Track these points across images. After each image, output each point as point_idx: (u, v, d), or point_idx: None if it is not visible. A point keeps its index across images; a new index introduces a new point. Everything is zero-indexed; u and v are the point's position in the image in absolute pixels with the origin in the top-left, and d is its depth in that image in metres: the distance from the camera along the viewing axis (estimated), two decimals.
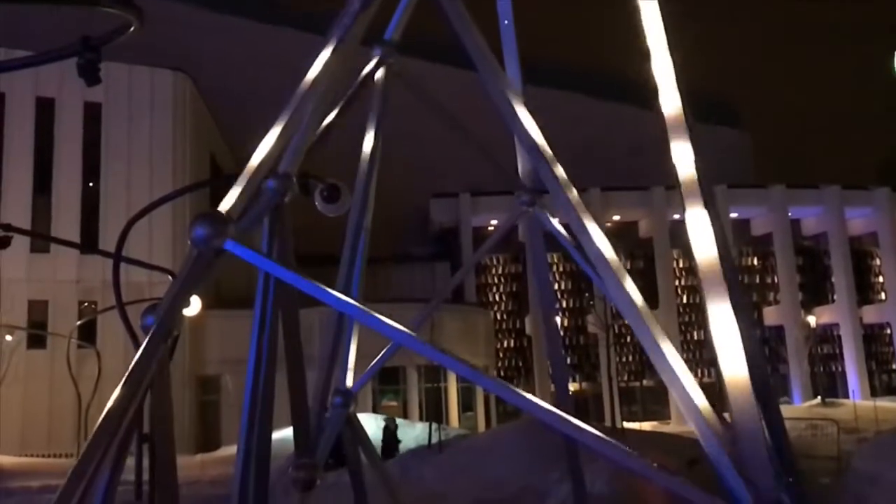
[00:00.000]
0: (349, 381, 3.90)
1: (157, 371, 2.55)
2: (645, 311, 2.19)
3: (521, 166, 4.21)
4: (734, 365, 2.07)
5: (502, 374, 49.31)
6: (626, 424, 36.62)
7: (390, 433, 25.49)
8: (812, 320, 47.86)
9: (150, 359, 2.38)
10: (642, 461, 1.92)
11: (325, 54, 2.96)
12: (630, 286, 2.24)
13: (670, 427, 35.65)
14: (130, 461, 15.97)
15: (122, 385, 2.32)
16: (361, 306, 2.52)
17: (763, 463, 1.88)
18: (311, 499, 10.00)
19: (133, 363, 2.37)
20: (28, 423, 31.81)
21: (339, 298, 2.42)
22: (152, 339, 2.38)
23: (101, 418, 2.25)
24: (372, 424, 29.34)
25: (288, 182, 2.94)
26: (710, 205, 2.28)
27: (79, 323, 31.34)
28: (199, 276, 2.32)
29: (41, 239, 31.85)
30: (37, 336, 33.56)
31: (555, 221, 4.14)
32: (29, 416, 32.04)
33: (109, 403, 2.28)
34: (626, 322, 2.27)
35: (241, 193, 2.41)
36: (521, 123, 2.70)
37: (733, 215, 49.96)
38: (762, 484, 1.82)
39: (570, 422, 2.01)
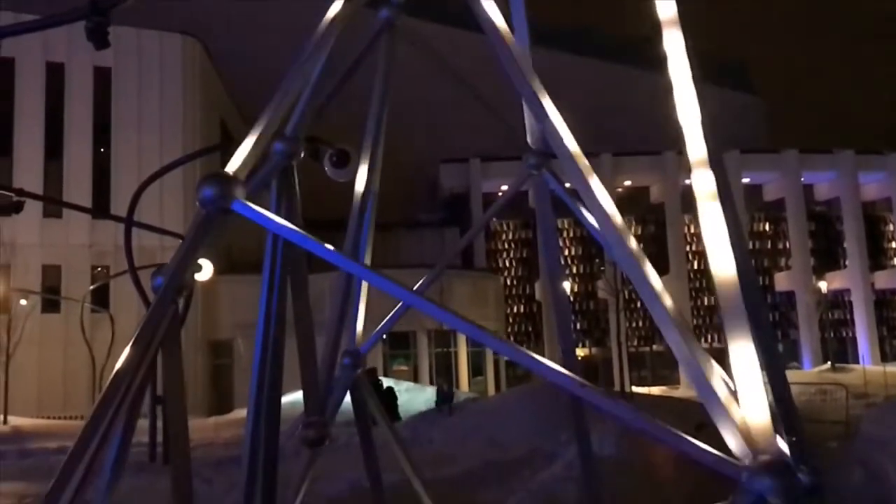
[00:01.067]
0: (359, 343, 3.94)
1: (168, 331, 2.59)
2: (649, 274, 2.20)
3: (529, 130, 4.20)
4: (737, 325, 2.08)
5: (512, 339, 49.43)
6: (635, 389, 36.77)
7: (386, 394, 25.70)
8: (823, 286, 47.74)
9: (159, 318, 2.41)
10: (647, 419, 1.95)
11: (332, 14, 2.94)
12: (635, 249, 2.25)
13: (679, 392, 35.80)
14: (144, 423, 16.22)
15: (132, 344, 2.35)
16: (369, 267, 2.53)
17: (765, 423, 1.89)
18: (324, 458, 10.10)
19: (142, 322, 2.40)
20: (44, 385, 32.27)
21: (346, 259, 2.44)
22: (161, 298, 2.41)
23: (111, 377, 2.29)
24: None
25: (296, 145, 2.95)
26: (716, 166, 2.28)
27: (92, 287, 31.60)
28: (207, 237, 2.34)
29: (53, 204, 32.03)
30: (51, 300, 33.90)
31: (562, 185, 4.13)
32: (44, 379, 32.49)
33: (119, 362, 2.32)
34: (643, 299, 2.27)
35: (249, 155, 2.43)
36: (528, 86, 2.69)
37: (745, 181, 49.63)
38: (764, 443, 1.84)
39: (576, 381, 2.04)
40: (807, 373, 41.17)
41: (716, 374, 2.05)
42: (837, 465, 10.95)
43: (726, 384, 2.08)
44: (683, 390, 36.76)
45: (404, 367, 39.66)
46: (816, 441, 14.45)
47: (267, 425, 3.07)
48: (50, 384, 32.20)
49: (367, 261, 3.67)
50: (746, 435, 1.84)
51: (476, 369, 40.94)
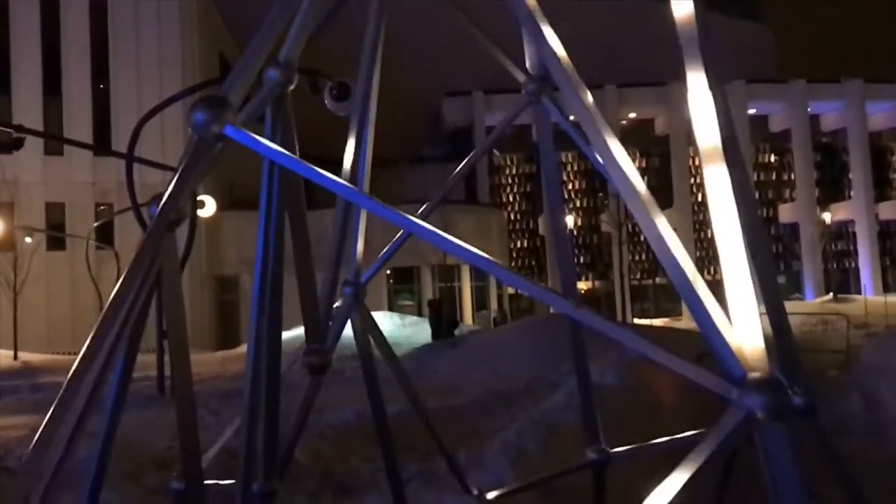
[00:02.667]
0: (358, 272, 3.96)
1: (166, 259, 2.60)
2: (649, 203, 2.18)
3: (529, 58, 4.13)
4: (731, 245, 2.07)
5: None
6: (637, 321, 37.04)
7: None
8: (827, 217, 47.66)
9: (155, 244, 2.42)
10: (642, 340, 1.96)
11: None
12: (635, 177, 2.23)
13: (681, 323, 36.11)
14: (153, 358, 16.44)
15: (128, 271, 2.36)
16: (367, 194, 2.52)
17: (758, 344, 1.91)
18: (330, 390, 10.21)
19: (138, 248, 2.41)
20: (52, 322, 32.64)
21: (343, 185, 2.43)
22: (157, 223, 2.41)
23: (108, 302, 2.30)
24: (388, 323, 29.92)
25: (289, 72, 2.90)
26: (714, 86, 2.24)
27: (96, 224, 31.67)
28: (201, 163, 2.33)
29: (53, 140, 31.87)
30: (56, 238, 34.04)
31: (563, 113, 4.08)
32: (53, 316, 32.86)
33: (115, 289, 2.33)
34: (633, 214, 2.26)
35: (241, 80, 2.39)
36: (525, 8, 2.64)
37: (752, 111, 49.08)
38: (756, 363, 1.86)
39: (572, 304, 2.05)
40: (809, 303, 41.40)
41: (712, 298, 2.05)
42: (837, 392, 11.09)
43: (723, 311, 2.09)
44: (685, 322, 37.07)
45: (409, 303, 40.01)
46: (817, 370, 14.61)
47: (268, 353, 3.11)
48: (58, 321, 32.55)
49: (366, 189, 3.66)
50: (739, 355, 1.86)
51: (480, 303, 41.28)
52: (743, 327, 1.94)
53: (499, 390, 12.82)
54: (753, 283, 2.09)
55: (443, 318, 25.89)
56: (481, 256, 2.16)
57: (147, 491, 5.79)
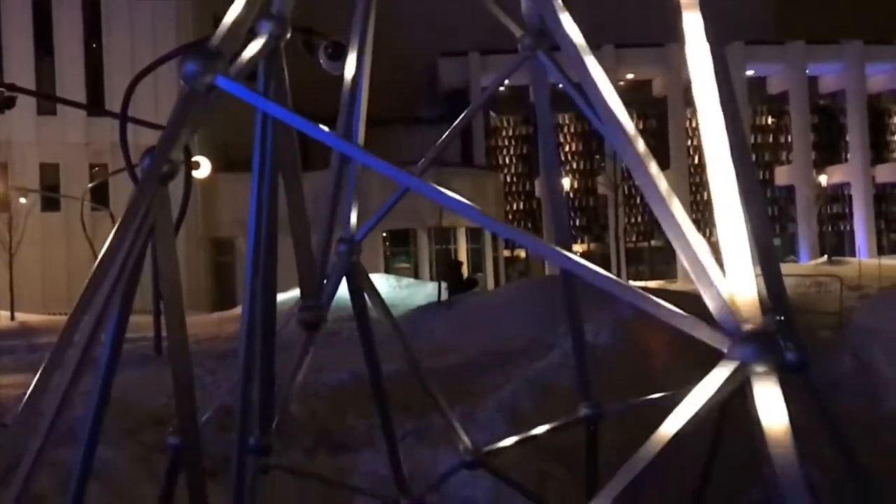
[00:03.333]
0: (354, 231, 3.95)
1: (159, 214, 2.58)
2: (646, 155, 2.17)
3: (525, 11, 4.07)
4: (728, 207, 2.06)
5: None
6: (633, 283, 37.10)
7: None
8: (823, 179, 47.63)
9: (147, 197, 2.40)
10: (634, 291, 1.97)
11: None
12: (632, 132, 2.21)
13: (676, 285, 36.22)
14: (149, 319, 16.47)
15: (120, 223, 2.34)
16: (361, 147, 2.50)
17: (751, 296, 1.91)
18: (327, 351, 10.25)
19: (129, 202, 2.39)
20: (48, 283, 32.65)
21: (337, 139, 2.41)
22: (148, 175, 2.39)
23: (99, 256, 2.29)
24: (384, 285, 30.01)
25: (282, 25, 2.86)
26: (713, 47, 2.21)
27: (90, 185, 31.53)
28: (192, 114, 2.30)
29: (45, 99, 31.61)
30: (50, 199, 33.92)
31: (560, 69, 4.04)
32: (48, 277, 32.86)
33: (107, 241, 2.32)
34: (628, 165, 2.25)
35: (232, 31, 2.36)
36: None
37: (750, 73, 48.74)
38: (749, 314, 1.86)
39: (564, 254, 2.05)
40: (803, 266, 41.55)
41: (707, 252, 2.05)
42: (829, 353, 11.19)
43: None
44: (681, 283, 37.21)
45: (405, 265, 40.09)
46: (809, 331, 14.70)
47: (262, 309, 3.11)
48: (54, 281, 32.56)
49: (360, 142, 3.63)
50: (732, 306, 1.86)
51: (475, 266, 41.38)
52: (737, 280, 1.94)
53: (494, 351, 12.91)
54: (749, 240, 2.09)
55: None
56: (474, 209, 2.16)
57: (145, 447, 5.85)
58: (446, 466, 5.31)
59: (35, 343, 18.23)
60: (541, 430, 4.68)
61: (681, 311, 1.84)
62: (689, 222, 1.95)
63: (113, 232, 2.29)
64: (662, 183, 2.14)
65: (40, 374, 2.31)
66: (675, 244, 2.04)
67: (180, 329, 3.05)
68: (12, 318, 26.79)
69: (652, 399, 4.49)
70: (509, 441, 4.68)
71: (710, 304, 1.89)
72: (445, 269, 28.59)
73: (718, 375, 1.80)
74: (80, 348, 2.53)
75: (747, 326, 1.82)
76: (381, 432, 4.93)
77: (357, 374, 9.72)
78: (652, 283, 40.22)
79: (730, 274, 1.99)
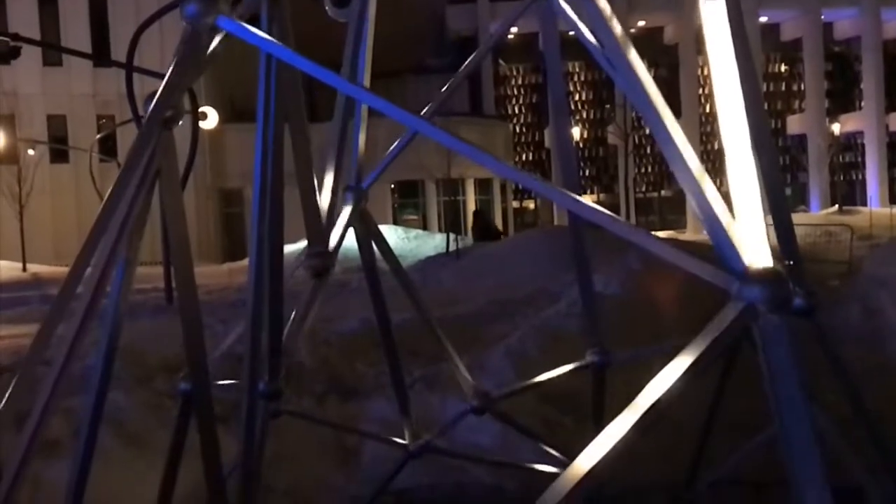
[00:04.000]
0: (360, 176, 3.93)
1: (164, 160, 2.57)
2: (656, 96, 2.13)
3: None
4: (739, 153, 2.03)
5: (520, 186, 49.40)
6: None
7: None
8: (836, 128, 47.03)
9: (151, 140, 2.38)
10: (642, 232, 1.95)
11: None
12: (644, 76, 2.17)
13: (686, 235, 36.12)
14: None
15: (124, 167, 2.33)
16: (368, 89, 2.47)
17: (760, 237, 1.89)
18: (337, 300, 10.30)
19: (132, 146, 2.38)
20: (59, 234, 32.79)
21: (342, 81, 2.38)
22: (151, 118, 2.37)
23: (104, 200, 2.28)
24: (392, 236, 30.03)
25: None
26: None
27: (98, 136, 31.45)
28: (194, 57, 2.27)
29: (50, 49, 31.37)
30: (59, 151, 33.89)
31: (570, 11, 3.97)
32: (59, 229, 32.99)
33: (112, 186, 2.31)
34: (638, 108, 2.21)
35: None
36: None
37: (763, 19, 47.80)
38: (758, 255, 1.85)
39: (571, 197, 2.03)
40: (814, 215, 41.26)
41: (716, 195, 2.03)
42: (837, 301, 11.18)
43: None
44: (690, 233, 37.10)
45: (414, 217, 40.02)
46: (818, 280, 14.66)
47: (270, 254, 3.12)
48: (64, 233, 32.68)
49: (366, 84, 3.59)
50: (741, 248, 1.85)
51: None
52: (746, 221, 1.92)
53: (502, 300, 12.94)
54: (759, 187, 2.07)
55: (486, 228, 27.10)
56: (482, 152, 2.13)
57: (157, 394, 5.93)
58: (454, 413, 5.36)
59: (47, 294, 18.38)
60: (548, 375, 4.71)
61: (688, 253, 1.83)
62: (699, 164, 1.93)
63: (119, 174, 2.28)
64: (673, 125, 2.11)
65: (46, 320, 2.33)
66: (684, 186, 2.02)
67: (188, 275, 3.06)
68: (24, 269, 27.00)
69: (660, 346, 4.50)
70: (517, 387, 4.72)
71: (718, 245, 1.88)
72: (476, 220, 29.96)
73: (726, 316, 1.79)
74: (88, 293, 2.54)
75: (755, 267, 1.80)
76: (390, 379, 4.98)
77: (367, 322, 9.77)
78: (661, 234, 40.11)
79: (739, 215, 1.97)
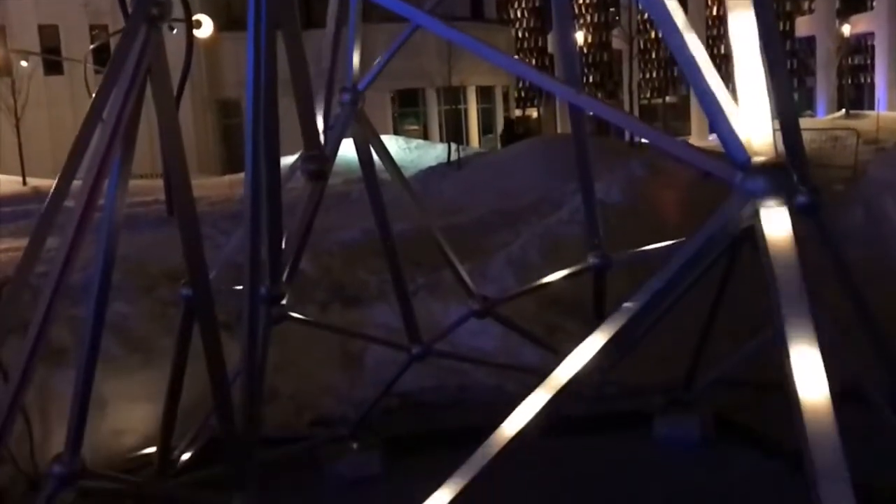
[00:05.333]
0: (356, 78, 3.83)
1: (155, 59, 2.49)
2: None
3: None
4: (746, 48, 1.96)
5: (523, 94, 48.76)
6: (645, 141, 36.71)
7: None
8: (846, 30, 45.93)
9: (135, 37, 2.30)
10: (646, 126, 1.90)
11: None
12: None
13: (690, 141, 35.76)
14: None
15: (109, 64, 2.26)
16: None
17: (765, 129, 1.84)
18: (337, 211, 10.27)
19: (118, 43, 2.30)
20: (57, 147, 32.48)
21: None
22: (136, 14, 2.29)
23: (91, 101, 2.22)
24: (393, 146, 29.72)
25: None
26: None
27: (92, 47, 30.82)
28: None
29: None
30: (53, 62, 33.30)
31: None
32: (56, 141, 32.67)
33: (99, 85, 2.24)
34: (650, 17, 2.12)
35: None
36: None
37: None
38: (762, 147, 1.80)
39: (573, 90, 1.97)
40: (820, 120, 40.76)
41: (722, 88, 1.97)
42: (841, 205, 11.11)
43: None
44: (695, 139, 36.72)
45: (414, 127, 39.55)
46: (823, 184, 14.52)
47: (267, 157, 3.07)
48: (63, 146, 32.19)
49: None
50: (745, 140, 1.80)
51: (486, 128, 40.82)
52: (751, 114, 1.87)
53: (503, 209, 12.88)
54: (765, 76, 2.00)
55: (515, 134, 27.36)
56: (484, 45, 2.05)
57: (160, 302, 5.96)
58: (457, 318, 5.41)
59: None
60: (549, 279, 4.72)
61: (692, 146, 1.78)
62: (705, 56, 1.86)
63: (105, 73, 2.21)
64: (678, 15, 2.02)
65: (38, 224, 2.31)
66: (689, 78, 1.96)
67: (184, 179, 3.03)
68: (24, 183, 26.91)
69: (660, 247, 4.49)
70: (518, 290, 4.74)
71: (723, 137, 1.83)
72: (508, 128, 31.45)
73: (729, 208, 1.76)
74: (84, 194, 2.51)
75: (759, 159, 1.76)
76: (392, 286, 5.00)
77: (368, 232, 9.77)
78: None
79: (744, 108, 1.91)
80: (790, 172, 1.78)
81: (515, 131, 33.09)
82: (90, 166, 2.52)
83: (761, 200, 1.75)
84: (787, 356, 1.81)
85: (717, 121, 1.84)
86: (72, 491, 2.94)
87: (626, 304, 1.74)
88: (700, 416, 5.09)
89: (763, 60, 2.03)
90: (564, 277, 4.81)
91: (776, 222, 1.77)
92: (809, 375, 1.78)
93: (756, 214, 1.76)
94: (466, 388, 5.98)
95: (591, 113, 1.89)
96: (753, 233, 1.87)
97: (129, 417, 4.99)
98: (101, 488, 3.66)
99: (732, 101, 1.92)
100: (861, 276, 4.35)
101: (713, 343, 5.13)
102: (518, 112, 45.84)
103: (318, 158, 3.44)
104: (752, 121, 1.91)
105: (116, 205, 2.66)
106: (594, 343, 1.69)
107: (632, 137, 33.43)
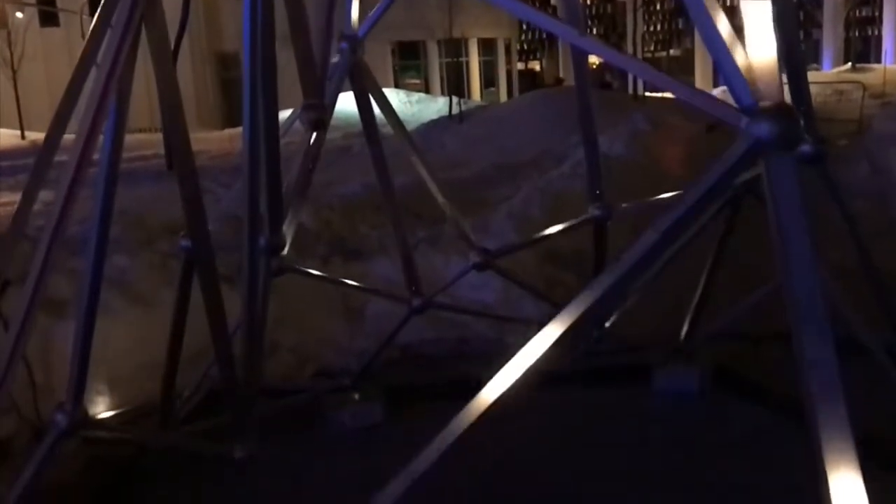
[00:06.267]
0: (355, 25, 3.76)
1: (148, 5, 2.44)
2: None
3: None
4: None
5: (525, 47, 48.19)
6: (649, 95, 36.46)
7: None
8: None
9: None
10: (651, 69, 1.86)
11: None
12: None
13: None
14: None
15: (100, 10, 2.21)
16: None
17: (772, 73, 1.80)
18: (338, 166, 10.21)
19: None
20: (54, 100, 32.03)
21: None
22: None
23: (83, 46, 2.17)
24: (394, 99, 29.43)
25: None
26: None
27: None
28: None
29: None
30: (48, 14, 32.86)
31: None
32: (54, 94, 32.28)
33: (90, 27, 2.19)
34: None
35: None
36: None
37: None
38: (769, 92, 1.76)
39: (575, 32, 1.92)
40: (826, 73, 40.28)
41: (729, 31, 1.92)
42: (845, 159, 11.05)
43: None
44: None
45: (416, 80, 39.15)
46: (827, 139, 14.41)
47: (264, 106, 3.02)
48: (59, 98, 32.18)
49: None
50: (751, 83, 1.76)
51: (488, 81, 40.41)
52: (758, 59, 1.83)
53: (505, 163, 12.83)
54: (774, 26, 1.95)
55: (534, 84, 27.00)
56: None
57: (160, 254, 5.96)
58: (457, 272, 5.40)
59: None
60: (550, 231, 4.70)
61: (698, 90, 1.74)
62: (721, 15, 1.80)
63: (94, 19, 2.16)
64: None
65: (32, 174, 2.28)
66: (696, 23, 1.91)
67: (181, 127, 2.99)
68: (23, 137, 26.75)
69: (663, 199, 4.45)
70: (519, 243, 4.72)
71: (729, 81, 1.79)
72: (535, 79, 30.97)
73: (733, 153, 1.72)
74: (80, 144, 2.48)
75: (765, 103, 1.72)
76: (393, 240, 4.98)
77: (369, 186, 9.73)
78: (669, 94, 39.31)
79: (752, 54, 1.87)
80: (797, 118, 1.74)
81: (535, 83, 32.00)
82: (86, 110, 2.48)
83: (767, 144, 1.71)
84: (793, 307, 1.79)
85: (724, 65, 1.80)
86: (75, 440, 2.96)
87: (624, 255, 1.72)
88: (700, 368, 5.11)
89: (772, 10, 1.98)
90: (565, 230, 4.78)
91: (781, 169, 1.74)
92: (814, 326, 1.76)
93: (761, 160, 1.73)
94: (467, 340, 6.00)
95: (595, 56, 1.84)
96: (758, 183, 1.84)
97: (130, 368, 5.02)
98: (104, 438, 3.69)
99: (741, 46, 1.87)
100: (864, 228, 4.33)
101: (714, 297, 5.13)
102: (520, 65, 45.31)
103: (318, 107, 3.39)
104: (760, 67, 1.86)
105: (114, 149, 2.63)
106: (592, 292, 1.67)
107: (635, 91, 33.14)
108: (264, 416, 3.88)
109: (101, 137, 2.81)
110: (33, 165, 2.62)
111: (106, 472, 4.23)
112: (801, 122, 2.28)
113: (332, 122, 4.19)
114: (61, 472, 3.68)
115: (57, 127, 2.30)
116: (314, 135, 3.66)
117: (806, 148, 2.77)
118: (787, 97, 2.71)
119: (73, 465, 3.95)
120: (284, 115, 3.71)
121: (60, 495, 3.72)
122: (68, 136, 2.88)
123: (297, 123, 3.73)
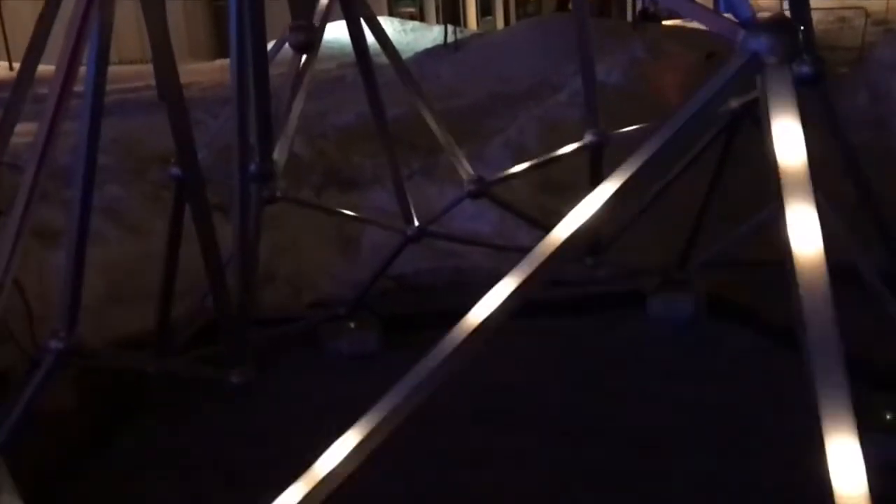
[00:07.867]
0: None
1: None
2: None
3: None
4: None
5: None
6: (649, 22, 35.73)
7: None
8: None
9: None
10: None
11: None
12: None
13: (694, 24, 34.74)
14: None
15: None
16: None
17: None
18: (332, 96, 10.05)
19: None
20: None
21: None
22: None
23: None
24: (388, 28, 28.86)
25: None
26: None
27: None
28: None
29: None
30: None
31: None
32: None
33: None
34: None
35: None
36: None
37: None
38: (769, 6, 1.70)
39: None
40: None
41: None
42: (845, 87, 10.89)
43: None
44: (697, 24, 35.62)
45: (410, 9, 38.33)
46: (827, 67, 14.18)
47: (252, 28, 2.95)
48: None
49: None
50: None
51: (485, 10, 39.58)
52: None
53: (502, 93, 12.64)
54: None
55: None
56: None
57: (152, 184, 5.93)
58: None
59: (39, 93, 18.00)
60: (546, 157, 4.66)
61: (698, 3, 1.69)
62: None
63: None
64: None
65: (12, 91, 2.22)
66: None
67: (167, 53, 2.92)
68: (10, 68, 26.30)
69: (659, 122, 4.38)
70: (513, 170, 4.68)
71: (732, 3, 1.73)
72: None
73: (730, 67, 1.68)
74: (64, 62, 2.42)
75: (763, 15, 1.67)
76: (388, 170, 4.94)
77: (363, 116, 9.61)
78: (668, 23, 38.62)
79: None
80: (796, 31, 1.69)
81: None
82: (66, 37, 2.41)
83: (765, 58, 1.67)
84: (786, 230, 1.77)
85: None
86: (70, 367, 2.97)
87: (614, 173, 1.69)
88: (694, 294, 5.14)
89: None
90: (561, 157, 4.73)
91: (779, 81, 1.69)
92: (808, 250, 1.74)
93: (759, 72, 1.68)
94: (462, 270, 6.01)
95: None
96: (755, 107, 1.80)
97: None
98: (101, 366, 3.72)
99: None
100: (863, 159, 4.28)
101: (710, 224, 5.11)
102: None
103: (306, 28, 3.30)
104: None
105: (97, 79, 2.57)
106: (581, 212, 1.65)
107: (634, 19, 32.54)
108: (261, 344, 3.91)
109: (82, 68, 2.75)
110: (12, 86, 2.56)
111: (104, 401, 4.28)
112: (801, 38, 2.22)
113: (327, 51, 4.10)
114: (58, 401, 3.71)
115: (36, 42, 2.24)
116: (303, 58, 3.58)
117: (805, 69, 2.70)
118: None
119: (70, 396, 3.98)
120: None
121: (57, 425, 3.76)
122: (47, 68, 2.81)
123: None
